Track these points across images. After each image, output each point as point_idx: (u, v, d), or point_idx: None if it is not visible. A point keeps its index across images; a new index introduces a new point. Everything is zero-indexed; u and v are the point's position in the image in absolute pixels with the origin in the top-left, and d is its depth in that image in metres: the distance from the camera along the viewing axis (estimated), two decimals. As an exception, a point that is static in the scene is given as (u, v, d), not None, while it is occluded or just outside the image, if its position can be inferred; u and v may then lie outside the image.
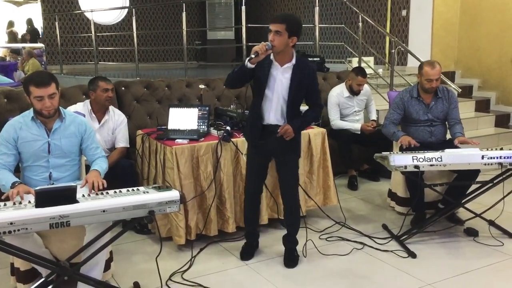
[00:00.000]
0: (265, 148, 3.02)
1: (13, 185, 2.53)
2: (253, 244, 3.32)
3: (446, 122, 3.87)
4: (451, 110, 3.81)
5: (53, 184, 2.76)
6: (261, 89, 2.94)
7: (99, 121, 3.77)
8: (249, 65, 2.78)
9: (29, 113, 2.76)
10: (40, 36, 8.41)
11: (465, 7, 7.04)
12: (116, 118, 3.84)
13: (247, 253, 3.26)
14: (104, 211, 2.26)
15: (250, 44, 6.16)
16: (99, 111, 3.80)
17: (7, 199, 2.37)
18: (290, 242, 3.20)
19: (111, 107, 3.87)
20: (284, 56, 2.90)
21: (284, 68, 2.91)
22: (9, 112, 3.83)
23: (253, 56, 2.75)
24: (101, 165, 2.83)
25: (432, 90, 3.72)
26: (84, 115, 3.60)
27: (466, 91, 6.68)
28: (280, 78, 2.91)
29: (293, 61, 2.91)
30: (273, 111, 2.96)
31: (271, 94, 2.93)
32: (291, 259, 3.16)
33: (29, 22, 8.36)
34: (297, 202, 3.17)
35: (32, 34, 8.78)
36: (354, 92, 4.84)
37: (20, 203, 2.31)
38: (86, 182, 2.58)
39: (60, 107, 2.81)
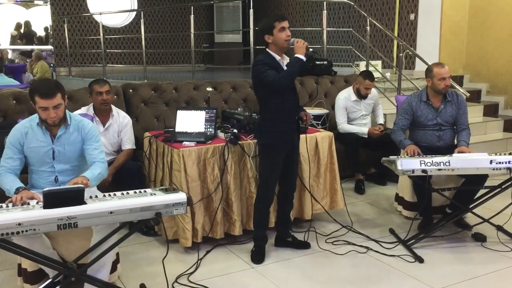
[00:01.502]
0: (292, 143, 3.18)
1: (17, 191, 2.54)
2: (264, 247, 3.32)
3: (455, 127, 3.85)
4: (460, 116, 3.78)
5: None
6: (290, 88, 3.07)
7: (104, 125, 3.77)
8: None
9: (36, 117, 2.75)
10: (35, 40, 8.41)
11: (473, 11, 7.01)
12: (121, 120, 3.84)
13: (261, 256, 3.25)
14: (111, 212, 2.27)
15: (257, 47, 6.21)
16: (102, 115, 3.78)
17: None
18: (290, 229, 3.47)
19: (115, 109, 3.86)
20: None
21: (285, 64, 3.07)
22: (18, 113, 3.85)
23: (310, 48, 2.98)
24: (93, 171, 2.73)
25: (445, 89, 3.69)
26: (91, 117, 3.62)
27: (474, 96, 6.65)
28: None
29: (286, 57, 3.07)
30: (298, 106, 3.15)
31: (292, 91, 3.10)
32: (303, 242, 3.42)
33: (26, 24, 8.36)
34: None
35: (27, 38, 8.75)
36: (361, 96, 4.83)
37: (28, 204, 2.33)
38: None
39: (67, 111, 2.79)
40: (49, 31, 8.39)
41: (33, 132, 2.74)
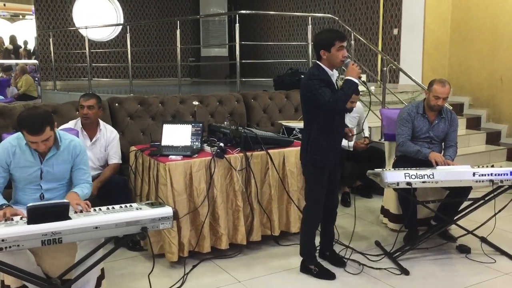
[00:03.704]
0: (337, 160, 3.16)
1: (0, 207, 2.52)
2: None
3: (443, 144, 3.89)
4: (451, 132, 3.82)
5: (45, 202, 2.75)
6: None
7: (91, 139, 3.74)
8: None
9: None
10: (25, 53, 8.39)
11: (455, 26, 7.15)
12: (108, 134, 3.81)
13: (329, 271, 3.22)
14: (96, 227, 2.25)
15: (243, 61, 6.25)
16: (90, 129, 3.76)
17: None
18: (332, 245, 3.43)
19: (102, 124, 3.84)
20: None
21: (334, 77, 3.08)
22: (2, 128, 3.81)
23: (361, 76, 2.97)
24: (83, 189, 2.77)
25: (437, 108, 3.73)
26: (77, 131, 3.60)
27: (457, 109, 6.74)
28: None
29: None
30: None
31: None
32: (340, 259, 3.37)
33: (12, 39, 8.34)
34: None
35: (13, 52, 8.71)
36: (346, 109, 4.86)
37: (12, 219, 2.30)
38: None
39: (57, 132, 2.75)
40: (26, 45, 8.34)
41: (21, 151, 2.71)
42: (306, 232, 3.23)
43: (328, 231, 3.39)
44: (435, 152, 3.62)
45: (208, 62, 10.62)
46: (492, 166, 3.36)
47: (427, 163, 3.58)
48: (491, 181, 3.24)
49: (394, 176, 3.21)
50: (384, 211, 4.13)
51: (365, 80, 3.21)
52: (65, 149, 2.77)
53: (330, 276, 3.16)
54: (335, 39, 2.94)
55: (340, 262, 3.34)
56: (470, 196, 3.52)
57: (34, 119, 2.55)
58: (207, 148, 3.60)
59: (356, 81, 2.91)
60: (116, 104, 4.45)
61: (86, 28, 8.29)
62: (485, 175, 3.24)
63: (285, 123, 4.90)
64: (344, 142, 4.75)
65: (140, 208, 2.43)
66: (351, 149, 4.77)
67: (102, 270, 2.82)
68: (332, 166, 3.13)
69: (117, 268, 3.32)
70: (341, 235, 3.83)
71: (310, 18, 6.37)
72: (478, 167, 3.33)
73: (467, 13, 6.95)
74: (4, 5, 8.20)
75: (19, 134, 2.74)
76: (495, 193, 3.39)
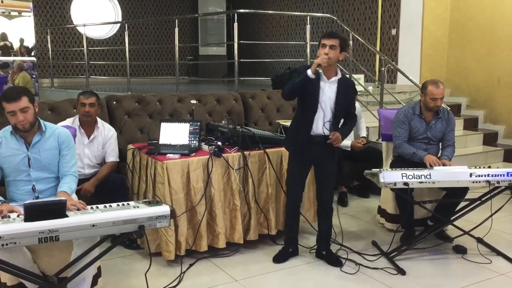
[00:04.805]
0: (312, 155, 3.23)
1: None
2: (289, 250, 3.44)
3: (440, 143, 3.89)
4: (448, 132, 3.81)
5: (37, 196, 2.75)
6: (312, 101, 3.13)
7: (88, 137, 3.74)
8: (312, 76, 3.00)
9: (9, 127, 2.76)
10: (12, 51, 8.36)
11: (453, 26, 7.17)
12: (106, 133, 3.81)
13: (283, 257, 3.39)
14: (93, 225, 2.25)
15: (242, 60, 6.25)
16: (88, 126, 3.76)
17: None
18: (329, 244, 3.44)
19: (100, 122, 3.83)
20: (331, 70, 3.12)
21: (330, 81, 3.12)
22: (0, 125, 3.79)
23: (318, 69, 2.99)
24: (70, 185, 2.77)
25: (436, 108, 3.72)
26: (75, 129, 3.59)
27: (455, 110, 6.74)
28: (327, 90, 3.12)
29: (339, 75, 3.12)
30: (321, 121, 3.15)
31: (320, 105, 3.12)
32: (337, 259, 3.39)
33: (3, 36, 8.30)
34: (331, 204, 3.44)
35: (4, 49, 8.69)
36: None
37: (9, 217, 2.30)
38: None
39: (41, 120, 2.80)
40: (23, 42, 8.31)
41: (6, 141, 2.74)
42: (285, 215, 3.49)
43: (323, 229, 3.41)
44: (430, 154, 3.62)
45: (206, 61, 10.63)
46: (489, 167, 3.37)
47: (424, 164, 3.58)
48: (488, 182, 3.25)
49: (391, 176, 3.22)
50: (381, 211, 4.14)
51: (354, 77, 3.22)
52: (51, 136, 2.80)
53: (278, 260, 3.36)
54: (321, 38, 3.10)
55: (336, 261, 3.35)
56: (467, 197, 3.53)
57: (12, 89, 2.75)
58: (204, 147, 3.60)
59: (308, 72, 2.99)
60: (114, 102, 4.44)
61: (84, 25, 8.27)
62: (482, 176, 3.25)
63: (283, 122, 4.90)
64: (342, 142, 4.78)
65: (138, 207, 2.42)
66: (349, 149, 4.79)
67: (99, 268, 2.82)
68: (301, 160, 3.27)
69: (114, 266, 3.31)
70: (337, 235, 3.83)
71: (308, 17, 6.37)
72: (475, 167, 3.34)
73: (465, 15, 6.97)
74: (2, 1, 8.18)
75: (5, 127, 2.78)
76: (491, 194, 3.40)
